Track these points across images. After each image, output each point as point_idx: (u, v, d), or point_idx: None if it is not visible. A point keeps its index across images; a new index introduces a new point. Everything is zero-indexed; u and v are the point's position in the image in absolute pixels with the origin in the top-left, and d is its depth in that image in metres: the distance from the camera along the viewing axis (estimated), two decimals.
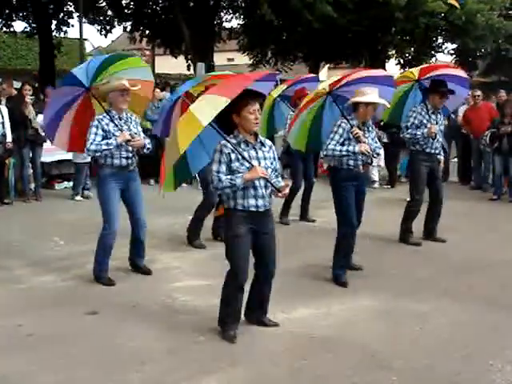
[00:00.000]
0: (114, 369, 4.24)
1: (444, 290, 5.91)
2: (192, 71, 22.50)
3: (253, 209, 4.56)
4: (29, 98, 10.09)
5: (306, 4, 18.39)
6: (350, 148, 5.95)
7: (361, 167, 6.09)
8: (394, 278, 6.29)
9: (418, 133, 7.33)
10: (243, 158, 4.48)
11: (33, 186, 10.46)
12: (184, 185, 12.07)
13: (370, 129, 6.27)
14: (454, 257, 7.06)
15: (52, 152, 10.91)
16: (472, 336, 4.84)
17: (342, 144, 5.97)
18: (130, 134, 5.91)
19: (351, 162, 6.04)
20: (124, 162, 5.98)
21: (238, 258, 4.58)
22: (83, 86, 6.12)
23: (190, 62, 24.12)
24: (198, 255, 7.09)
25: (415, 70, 7.89)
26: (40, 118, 10.11)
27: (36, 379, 4.10)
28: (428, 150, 7.47)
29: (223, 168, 4.46)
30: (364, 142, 5.98)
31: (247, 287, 4.78)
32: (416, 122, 7.39)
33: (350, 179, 6.06)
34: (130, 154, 6.00)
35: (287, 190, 4.75)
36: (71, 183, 11.05)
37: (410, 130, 7.38)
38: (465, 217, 9.18)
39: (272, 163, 4.65)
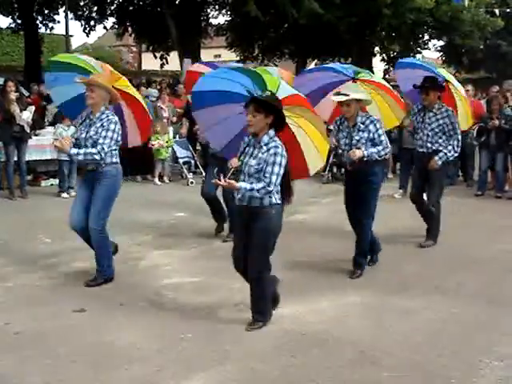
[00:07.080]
0: (102, 367, 4.20)
1: (432, 286, 5.93)
2: (171, 67, 22.50)
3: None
4: (13, 95, 9.90)
5: (292, 0, 18.38)
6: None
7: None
8: (382, 274, 6.29)
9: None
10: None
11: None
12: (168, 181, 12.09)
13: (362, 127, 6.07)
14: (442, 253, 7.07)
15: (37, 149, 10.87)
16: (461, 332, 4.86)
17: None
18: None
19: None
20: None
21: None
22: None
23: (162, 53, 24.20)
24: (187, 252, 7.06)
25: None
26: (25, 114, 9.97)
27: (23, 379, 4.05)
28: None
29: None
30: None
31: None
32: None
33: None
34: None
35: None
36: (57, 180, 10.93)
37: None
38: (451, 213, 9.17)
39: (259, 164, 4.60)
